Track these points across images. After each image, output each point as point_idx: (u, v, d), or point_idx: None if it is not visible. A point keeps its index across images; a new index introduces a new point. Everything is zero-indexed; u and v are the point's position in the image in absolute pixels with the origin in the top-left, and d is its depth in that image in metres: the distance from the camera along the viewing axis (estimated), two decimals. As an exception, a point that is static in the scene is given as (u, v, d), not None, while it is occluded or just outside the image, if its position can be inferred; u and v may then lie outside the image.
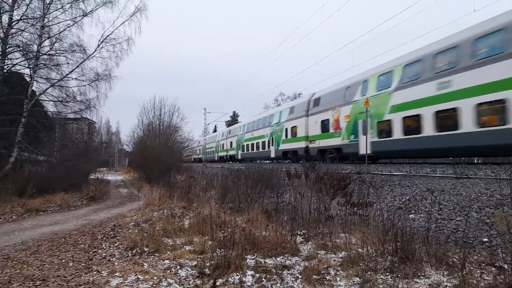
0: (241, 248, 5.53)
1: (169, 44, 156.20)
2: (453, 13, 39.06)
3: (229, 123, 76.39)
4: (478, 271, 4.46)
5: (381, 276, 4.40)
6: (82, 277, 5.00)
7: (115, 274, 4.98)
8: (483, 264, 4.74)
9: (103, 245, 7.10)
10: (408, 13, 66.25)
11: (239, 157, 37.24)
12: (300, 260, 5.36)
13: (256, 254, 5.57)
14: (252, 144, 33.30)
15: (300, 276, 4.66)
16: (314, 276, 4.57)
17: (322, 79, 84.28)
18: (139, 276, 4.85)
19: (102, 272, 5.17)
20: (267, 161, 31.20)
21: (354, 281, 4.37)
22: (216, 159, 48.88)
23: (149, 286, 4.52)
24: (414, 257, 4.65)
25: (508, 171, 9.45)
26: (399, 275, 4.36)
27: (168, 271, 5.15)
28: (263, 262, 5.23)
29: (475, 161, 17.91)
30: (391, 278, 4.35)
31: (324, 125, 20.94)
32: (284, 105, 31.42)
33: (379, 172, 13.00)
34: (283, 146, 26.49)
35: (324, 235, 6.38)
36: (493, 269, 4.51)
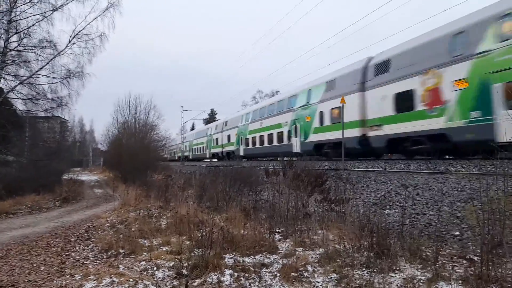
0: (219, 247, 5.50)
1: (143, 38, 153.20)
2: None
3: (207, 121, 75.85)
4: (450, 264, 4.61)
5: (358, 272, 4.48)
6: (54, 282, 4.84)
7: (89, 278, 4.84)
8: (454, 257, 4.89)
9: (77, 248, 6.90)
10: (379, 12, 67.66)
11: (241, 154, 30.06)
12: (279, 258, 5.38)
13: (234, 253, 5.55)
14: (262, 137, 26.29)
15: (278, 274, 4.68)
16: (292, 274, 4.59)
17: (299, 76, 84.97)
18: (114, 279, 4.74)
19: (76, 275, 5.02)
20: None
21: (331, 277, 4.42)
22: (207, 156, 42.23)
23: (125, 289, 4.41)
24: (389, 252, 4.75)
25: (477, 166, 9.82)
26: (375, 270, 4.44)
27: (145, 273, 5.05)
28: (241, 261, 5.21)
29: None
30: (367, 273, 4.43)
31: (404, 99, 14.06)
32: (315, 80, 21.15)
33: (356, 169, 13.24)
34: (315, 137, 19.62)
35: (302, 232, 6.43)
36: (464, 261, 4.67)
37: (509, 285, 3.66)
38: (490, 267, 3.90)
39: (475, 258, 4.52)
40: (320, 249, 5.59)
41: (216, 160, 38.39)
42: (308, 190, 7.17)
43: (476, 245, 4.85)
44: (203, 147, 43.44)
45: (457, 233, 6.01)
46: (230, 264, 5.07)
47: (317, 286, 4.27)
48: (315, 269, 4.75)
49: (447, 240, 5.84)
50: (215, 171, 14.42)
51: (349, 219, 6.57)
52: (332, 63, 76.17)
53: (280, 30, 70.65)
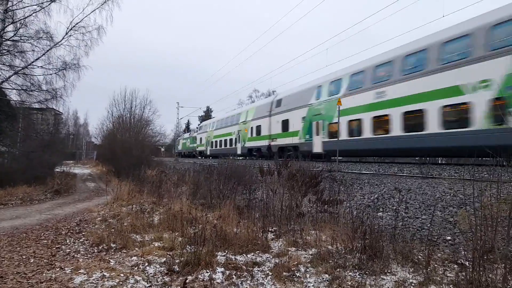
0: (211, 244, 5.48)
1: (142, 33, 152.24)
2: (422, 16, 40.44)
3: (202, 118, 75.66)
4: (441, 268, 4.63)
5: (350, 273, 4.48)
6: (44, 274, 4.79)
7: (79, 271, 4.80)
8: (446, 262, 4.92)
9: (67, 241, 6.83)
10: (378, 16, 67.93)
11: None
12: (271, 257, 5.37)
13: (226, 251, 5.53)
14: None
15: (270, 273, 4.67)
16: (284, 273, 4.58)
17: (296, 77, 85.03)
18: (105, 273, 4.70)
19: (66, 269, 4.97)
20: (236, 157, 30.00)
21: (323, 278, 4.42)
22: (239, 152, 34.73)
23: (115, 284, 4.37)
24: (381, 254, 4.76)
25: (470, 172, 9.89)
26: (367, 272, 4.45)
27: (136, 268, 5.02)
28: (233, 259, 5.20)
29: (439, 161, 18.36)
30: (359, 275, 4.44)
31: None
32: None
33: (350, 171, 13.28)
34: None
35: (295, 232, 6.43)
36: (455, 266, 4.70)
37: (500, 291, 3.68)
38: (481, 273, 3.92)
39: (466, 263, 4.55)
40: (313, 250, 5.59)
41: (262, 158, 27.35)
42: (302, 190, 7.16)
43: (467, 250, 4.87)
44: (230, 139, 34.08)
45: (449, 237, 6.05)
46: (222, 262, 5.05)
47: (309, 286, 4.27)
48: (307, 269, 4.74)
49: (439, 245, 5.87)
50: (209, 169, 14.38)
51: (342, 221, 6.58)
52: (330, 64, 76.38)
53: (277, 31, 70.67)
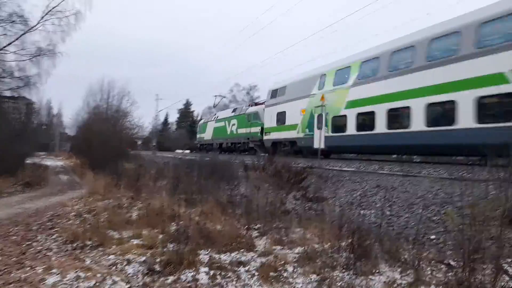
0: (194, 242, 5.25)
1: (121, 23, 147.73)
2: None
3: (182, 112, 74.54)
4: (429, 268, 4.58)
5: (339, 274, 4.37)
6: (13, 274, 4.46)
7: (52, 271, 4.49)
8: (432, 261, 4.88)
9: (39, 238, 6.46)
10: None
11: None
12: (256, 256, 5.19)
13: (210, 249, 5.33)
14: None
15: (256, 273, 4.50)
16: (271, 273, 4.42)
17: (279, 71, 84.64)
18: (80, 273, 4.41)
19: (37, 268, 4.64)
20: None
21: (311, 279, 4.29)
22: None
23: (91, 285, 4.10)
24: (370, 253, 4.68)
25: (449, 171, 10.07)
26: (355, 272, 4.35)
27: (114, 268, 4.75)
28: (217, 258, 5.00)
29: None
30: (347, 275, 4.33)
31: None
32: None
33: (331, 167, 13.27)
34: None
35: (280, 230, 6.28)
36: (442, 266, 4.66)
37: (489, 292, 3.65)
38: (469, 273, 3.89)
39: (454, 263, 4.52)
40: (298, 248, 5.46)
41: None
42: (287, 187, 7.02)
43: (454, 250, 4.86)
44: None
45: (433, 236, 6.05)
46: (206, 261, 4.84)
47: (297, 287, 4.12)
48: (295, 269, 4.60)
49: (424, 244, 5.86)
50: (190, 163, 14.07)
51: (328, 218, 6.48)
52: (311, 60, 76.80)
53: (260, 25, 70.25)
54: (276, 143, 19.67)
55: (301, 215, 6.88)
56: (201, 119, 45.08)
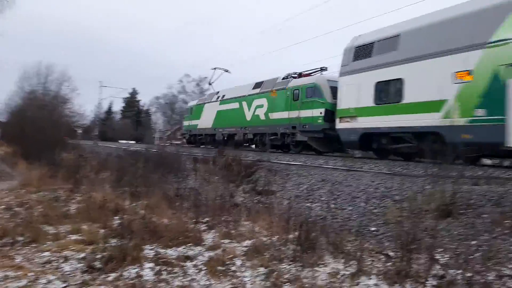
0: (139, 237, 5.04)
1: (64, 7, 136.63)
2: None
3: (127, 101, 71.46)
4: (370, 259, 4.82)
5: (286, 266, 4.44)
6: None
7: (-24, 271, 4.04)
8: (373, 252, 5.14)
9: (-39, 234, 5.78)
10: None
11: None
12: (204, 250, 5.11)
13: (156, 244, 5.15)
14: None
15: (204, 268, 4.42)
16: (219, 268, 4.37)
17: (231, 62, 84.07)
18: (9, 273, 4.01)
19: (-43, 268, 4.15)
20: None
21: (259, 271, 4.31)
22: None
23: (23, 285, 3.75)
24: (315, 246, 4.81)
25: (388, 166, 10.74)
26: (302, 264, 4.44)
27: (49, 266, 4.39)
28: (163, 253, 4.84)
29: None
30: (294, 267, 4.41)
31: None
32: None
33: (279, 161, 13.49)
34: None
35: (228, 223, 6.25)
36: (381, 256, 4.93)
37: (423, 280, 3.92)
38: (406, 263, 4.15)
39: (392, 254, 4.79)
40: (247, 241, 5.47)
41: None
42: (237, 180, 7.01)
43: (392, 241, 5.16)
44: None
45: (373, 228, 6.38)
46: (151, 257, 4.67)
47: (244, 281, 4.12)
48: (243, 263, 4.59)
49: (365, 235, 6.16)
50: (135, 154, 13.52)
51: (276, 211, 6.57)
52: (263, 54, 77.29)
53: (209, 16, 69.27)
54: (372, 136, 12.80)
55: (250, 208, 6.90)
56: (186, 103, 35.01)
